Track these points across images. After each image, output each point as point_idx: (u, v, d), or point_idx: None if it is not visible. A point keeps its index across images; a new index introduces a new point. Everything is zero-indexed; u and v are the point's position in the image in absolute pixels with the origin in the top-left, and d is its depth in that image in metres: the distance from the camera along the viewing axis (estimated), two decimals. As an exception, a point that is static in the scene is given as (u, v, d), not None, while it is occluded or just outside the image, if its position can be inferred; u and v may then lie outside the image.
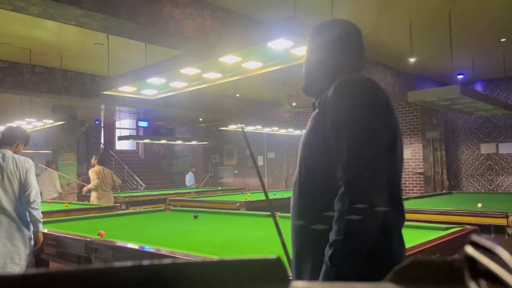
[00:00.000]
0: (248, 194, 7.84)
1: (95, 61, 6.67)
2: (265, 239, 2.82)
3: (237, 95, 8.96)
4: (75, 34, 5.44)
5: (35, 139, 13.26)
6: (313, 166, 1.16)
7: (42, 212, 5.05)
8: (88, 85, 7.40)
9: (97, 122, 13.86)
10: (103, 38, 5.24)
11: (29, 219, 2.99)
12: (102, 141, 15.61)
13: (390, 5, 4.84)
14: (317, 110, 1.22)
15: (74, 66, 6.96)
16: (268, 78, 7.52)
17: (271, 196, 7.29)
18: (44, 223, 3.70)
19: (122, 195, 8.18)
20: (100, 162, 7.03)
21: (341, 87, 1.10)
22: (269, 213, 4.03)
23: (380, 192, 1.00)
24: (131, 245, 2.45)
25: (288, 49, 3.11)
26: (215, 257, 1.04)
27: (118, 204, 6.37)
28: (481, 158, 8.70)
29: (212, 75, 3.98)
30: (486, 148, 8.65)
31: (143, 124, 15.31)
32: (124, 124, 16.12)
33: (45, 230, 3.18)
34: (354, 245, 0.98)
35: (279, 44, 2.99)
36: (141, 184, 13.90)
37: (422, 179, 9.27)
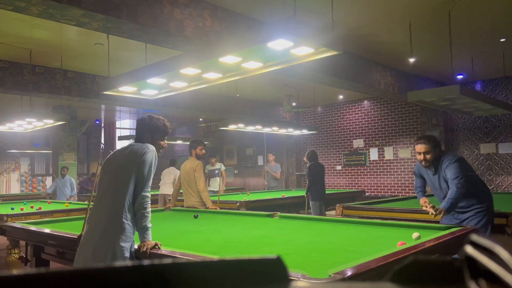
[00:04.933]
0: (248, 193, 7.84)
1: (95, 61, 6.67)
2: (265, 239, 2.82)
3: (237, 95, 8.96)
4: (75, 34, 5.44)
5: (35, 139, 13.27)
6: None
7: (42, 212, 5.07)
8: (89, 85, 7.40)
9: (97, 122, 13.85)
10: (103, 38, 5.24)
11: None
12: (103, 141, 15.62)
13: (390, 5, 4.84)
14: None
15: (74, 66, 6.96)
16: (268, 78, 7.52)
17: (279, 195, 7.29)
18: (44, 223, 3.71)
19: None
20: None
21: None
22: (270, 213, 4.03)
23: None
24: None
25: (288, 49, 3.11)
26: (215, 257, 1.03)
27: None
28: (481, 158, 8.70)
29: (212, 75, 3.98)
30: (485, 148, 8.65)
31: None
32: (124, 124, 16.11)
33: (46, 230, 3.18)
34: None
35: (279, 44, 2.99)
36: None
37: (422, 179, 9.26)
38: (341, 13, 4.92)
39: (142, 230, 2.32)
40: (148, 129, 2.57)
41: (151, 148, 2.44)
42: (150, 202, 2.39)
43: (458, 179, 3.11)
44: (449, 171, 3.17)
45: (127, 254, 2.25)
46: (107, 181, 2.42)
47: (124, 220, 2.26)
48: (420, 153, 3.28)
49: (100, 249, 2.22)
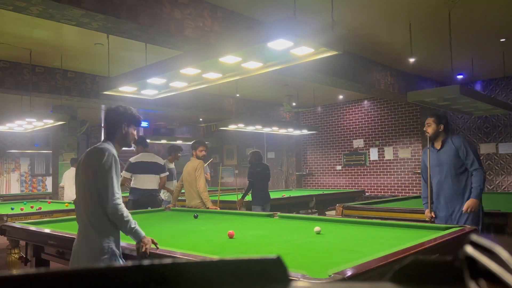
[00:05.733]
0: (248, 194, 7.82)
1: (95, 61, 6.67)
2: (265, 239, 2.82)
3: (237, 95, 8.96)
4: (75, 34, 5.44)
5: (35, 139, 13.27)
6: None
7: (43, 212, 5.07)
8: (88, 85, 7.40)
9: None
10: (103, 38, 5.24)
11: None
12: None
13: (390, 5, 4.84)
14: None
15: (74, 66, 6.96)
16: (268, 78, 7.52)
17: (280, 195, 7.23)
18: (44, 223, 3.71)
19: (122, 195, 8.11)
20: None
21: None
22: (270, 213, 4.03)
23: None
24: (131, 245, 2.45)
25: (288, 49, 3.11)
26: (215, 257, 1.03)
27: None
28: (481, 158, 8.70)
29: (212, 75, 3.98)
30: (485, 148, 8.65)
31: (143, 124, 15.28)
32: (124, 124, 16.10)
33: (46, 230, 3.18)
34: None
35: (279, 44, 2.99)
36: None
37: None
38: (341, 13, 4.92)
39: (130, 233, 2.26)
40: (117, 120, 2.37)
41: (109, 151, 2.26)
42: (123, 206, 2.26)
43: (478, 163, 3.42)
44: (469, 154, 3.45)
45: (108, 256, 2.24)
46: (77, 191, 2.39)
47: (91, 234, 2.24)
48: (426, 124, 3.64)
49: (80, 250, 2.30)
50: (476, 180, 3.38)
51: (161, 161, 5.49)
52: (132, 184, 5.31)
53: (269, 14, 4.86)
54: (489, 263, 0.31)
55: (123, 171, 5.29)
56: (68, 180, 7.54)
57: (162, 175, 5.40)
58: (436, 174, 3.60)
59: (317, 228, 2.88)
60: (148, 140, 11.14)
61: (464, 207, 3.35)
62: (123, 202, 2.34)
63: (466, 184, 3.46)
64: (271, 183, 12.11)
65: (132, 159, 5.36)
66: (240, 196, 5.86)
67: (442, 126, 3.56)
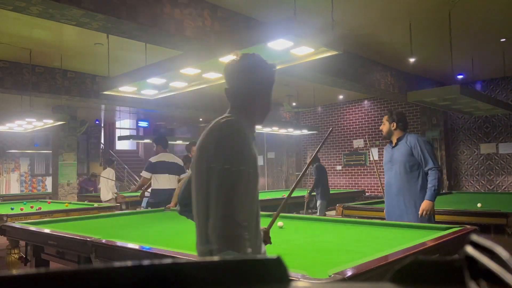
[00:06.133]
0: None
1: (95, 61, 6.67)
2: (265, 239, 2.82)
3: (237, 95, 8.95)
4: (75, 34, 5.44)
5: (35, 139, 13.27)
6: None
7: (43, 212, 5.06)
8: (88, 85, 7.40)
9: (97, 122, 13.86)
10: (103, 38, 5.24)
11: None
12: (102, 141, 15.62)
13: (390, 5, 4.84)
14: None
15: (74, 66, 6.95)
16: (268, 78, 7.51)
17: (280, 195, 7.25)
18: (44, 223, 3.71)
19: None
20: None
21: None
22: (269, 213, 4.02)
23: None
24: (131, 245, 2.45)
25: (288, 49, 3.11)
26: (215, 257, 1.03)
27: (118, 204, 6.37)
28: (481, 158, 8.70)
29: (212, 75, 3.98)
30: (486, 148, 8.65)
31: (143, 124, 15.31)
32: (124, 124, 16.12)
33: (46, 230, 3.18)
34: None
35: (279, 44, 2.99)
36: (141, 184, 13.87)
37: (422, 179, 9.26)
38: (341, 13, 4.92)
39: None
40: (266, 78, 1.53)
41: (234, 126, 1.44)
42: (241, 233, 1.29)
43: (433, 163, 3.37)
44: (424, 153, 3.40)
45: None
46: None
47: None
48: (382, 123, 3.74)
49: None
50: (431, 180, 3.31)
51: (180, 162, 5.48)
52: (154, 186, 5.22)
53: (269, 14, 4.86)
54: (489, 263, 0.31)
55: (143, 171, 5.32)
56: (103, 180, 7.91)
57: (182, 175, 5.35)
58: (387, 171, 3.60)
59: (280, 223, 3.11)
60: (147, 140, 11.20)
61: (420, 211, 3.28)
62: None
63: (416, 183, 3.41)
64: (271, 183, 12.12)
65: (152, 159, 5.32)
66: (307, 192, 6.64)
67: (394, 124, 3.56)
